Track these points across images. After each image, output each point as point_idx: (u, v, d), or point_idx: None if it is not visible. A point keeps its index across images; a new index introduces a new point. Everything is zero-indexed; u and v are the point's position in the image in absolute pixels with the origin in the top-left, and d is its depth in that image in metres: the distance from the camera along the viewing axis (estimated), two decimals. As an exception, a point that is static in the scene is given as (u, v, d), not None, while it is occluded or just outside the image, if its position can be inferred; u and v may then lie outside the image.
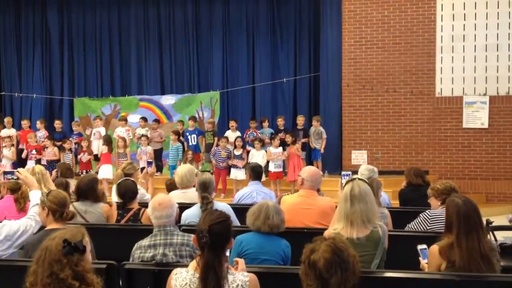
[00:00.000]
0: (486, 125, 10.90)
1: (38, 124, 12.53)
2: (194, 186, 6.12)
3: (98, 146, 11.94)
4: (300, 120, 11.63)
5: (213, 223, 2.72)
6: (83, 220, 4.98)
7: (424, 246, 3.69)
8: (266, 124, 11.82)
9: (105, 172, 11.32)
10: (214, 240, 2.67)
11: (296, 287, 2.44)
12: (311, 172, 4.98)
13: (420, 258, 3.64)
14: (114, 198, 6.21)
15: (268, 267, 3.62)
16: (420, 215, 4.77)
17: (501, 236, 4.86)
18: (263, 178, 10.08)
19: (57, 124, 12.55)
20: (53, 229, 3.60)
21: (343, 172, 3.99)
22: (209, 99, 13.04)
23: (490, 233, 4.36)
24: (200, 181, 5.08)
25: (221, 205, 5.05)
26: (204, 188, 4.96)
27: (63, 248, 2.38)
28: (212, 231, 2.69)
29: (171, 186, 6.64)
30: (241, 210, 5.17)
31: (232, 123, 11.86)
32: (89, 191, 5.15)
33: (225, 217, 2.84)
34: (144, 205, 5.39)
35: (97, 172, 11.17)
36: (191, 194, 5.94)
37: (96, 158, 11.83)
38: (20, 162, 11.82)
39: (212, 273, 2.62)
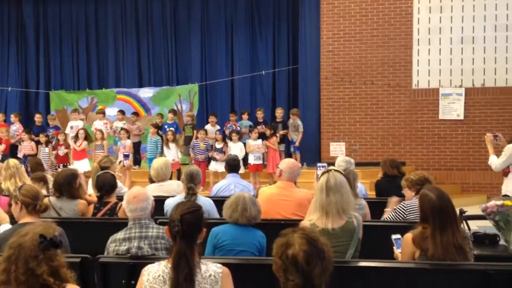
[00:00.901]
0: (461, 117, 11.04)
1: (13, 118, 12.33)
2: (170, 179, 6.12)
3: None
4: (279, 113, 11.65)
5: (185, 213, 2.74)
6: (57, 215, 4.92)
7: (398, 236, 3.73)
8: (246, 116, 11.81)
9: (82, 165, 11.20)
10: (185, 229, 2.68)
11: (272, 278, 2.44)
12: (289, 164, 5.02)
13: (394, 248, 3.68)
14: (90, 191, 6.17)
15: (245, 258, 3.64)
16: (396, 207, 4.82)
17: (475, 225, 4.94)
18: (243, 170, 10.21)
19: (38, 117, 12.36)
20: (26, 223, 3.56)
21: (318, 164, 4.03)
22: (188, 92, 12.97)
23: (464, 222, 4.44)
24: (188, 172, 5.14)
25: (204, 199, 5.06)
26: (191, 179, 5.02)
27: (40, 244, 2.34)
28: (184, 221, 2.70)
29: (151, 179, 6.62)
30: (218, 202, 5.17)
31: (212, 118, 11.83)
32: (65, 187, 5.03)
33: (197, 207, 2.86)
34: (121, 198, 5.34)
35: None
36: (168, 187, 5.94)
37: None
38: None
39: (184, 262, 2.62)
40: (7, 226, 4.09)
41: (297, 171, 5.02)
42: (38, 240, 2.34)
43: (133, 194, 3.70)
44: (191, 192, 4.80)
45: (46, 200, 4.94)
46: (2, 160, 9.79)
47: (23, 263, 2.31)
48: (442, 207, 3.29)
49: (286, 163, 5.03)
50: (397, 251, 3.64)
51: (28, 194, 3.84)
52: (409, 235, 3.38)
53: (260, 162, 10.95)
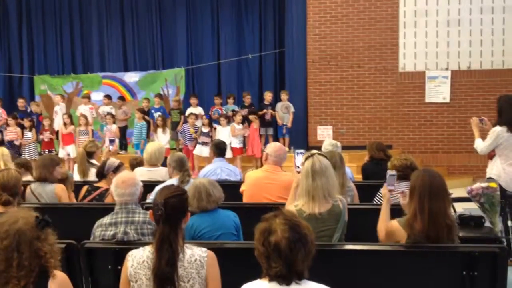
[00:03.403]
0: (448, 100, 11.09)
1: (-6, 103, 12.19)
2: (162, 165, 6.11)
3: (59, 125, 11.69)
4: (268, 96, 11.59)
5: (168, 197, 2.72)
6: (37, 201, 4.91)
7: (394, 172, 3.73)
8: (231, 100, 11.76)
9: (69, 151, 11.13)
10: (169, 213, 2.67)
11: (256, 262, 2.43)
12: (275, 147, 5.02)
13: (385, 184, 3.66)
14: (76, 176, 6.14)
15: (229, 242, 3.64)
16: (377, 193, 4.84)
17: (461, 207, 4.99)
18: (229, 155, 10.20)
19: (20, 102, 12.23)
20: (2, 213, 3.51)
21: (296, 151, 3.98)
22: (174, 76, 12.88)
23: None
24: (178, 158, 5.26)
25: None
26: (182, 165, 5.18)
27: (38, 223, 2.36)
28: (168, 204, 2.68)
29: (135, 164, 6.58)
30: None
31: (193, 100, 11.75)
32: (44, 172, 5.07)
33: (181, 191, 2.85)
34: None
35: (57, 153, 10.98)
36: (157, 173, 5.92)
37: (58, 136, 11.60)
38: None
39: (167, 245, 2.61)
40: None
41: (283, 155, 5.02)
42: (34, 221, 2.36)
43: (122, 179, 3.66)
44: (187, 177, 4.91)
45: (28, 188, 4.95)
46: None
47: (27, 246, 2.30)
48: (434, 179, 3.25)
49: (272, 147, 5.03)
50: (386, 187, 3.62)
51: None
52: (395, 222, 3.37)
53: (242, 145, 10.95)
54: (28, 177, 5.61)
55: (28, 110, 12.19)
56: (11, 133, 11.31)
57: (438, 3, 11.05)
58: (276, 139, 11.32)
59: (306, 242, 2.29)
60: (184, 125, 11.27)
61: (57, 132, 11.59)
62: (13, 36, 13.79)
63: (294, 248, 2.26)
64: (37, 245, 2.33)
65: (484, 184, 4.27)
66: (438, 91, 11.09)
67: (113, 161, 5.24)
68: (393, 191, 3.70)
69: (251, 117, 10.91)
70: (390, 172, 3.71)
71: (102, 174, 5.18)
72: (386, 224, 3.47)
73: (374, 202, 4.86)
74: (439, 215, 3.18)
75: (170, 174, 5.40)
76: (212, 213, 3.88)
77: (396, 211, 3.60)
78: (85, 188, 5.18)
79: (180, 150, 11.47)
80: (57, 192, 5.02)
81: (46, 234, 2.38)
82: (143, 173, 5.81)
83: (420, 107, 11.21)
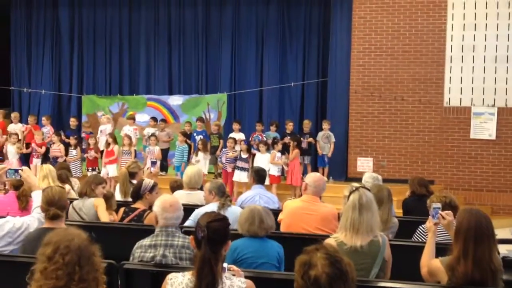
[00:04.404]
0: (493, 137, 10.82)
1: (44, 121, 12.60)
2: (200, 189, 6.17)
3: (103, 144, 11.96)
4: (306, 124, 11.60)
5: (211, 220, 2.74)
6: (78, 217, 5.07)
7: (439, 205, 3.63)
8: (273, 128, 11.79)
9: (111, 170, 11.35)
10: (211, 236, 2.68)
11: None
12: (315, 178, 5.00)
13: (430, 217, 3.56)
14: (117, 196, 6.26)
15: (268, 272, 3.61)
16: (418, 229, 4.75)
17: (504, 249, 4.83)
18: (267, 182, 10.19)
19: (72, 121, 12.66)
20: (49, 228, 3.61)
21: (433, 205, 3.70)
22: (216, 101, 13.04)
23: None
24: (218, 185, 5.35)
25: (236, 209, 5.12)
26: (223, 193, 5.28)
27: (91, 241, 2.51)
28: (211, 227, 2.70)
29: (175, 186, 6.68)
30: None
31: (236, 125, 11.86)
32: (84, 188, 5.46)
33: (223, 217, 2.87)
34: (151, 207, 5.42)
35: (99, 172, 11.23)
36: (195, 196, 5.98)
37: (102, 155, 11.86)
38: (25, 157, 11.89)
39: (207, 268, 2.61)
40: (39, 193, 4.12)
41: (322, 186, 4.99)
42: (87, 238, 2.50)
43: (169, 202, 3.69)
44: (227, 204, 4.99)
45: (70, 205, 5.15)
46: (42, 162, 10.08)
47: (87, 261, 2.43)
48: (481, 225, 3.13)
49: (312, 177, 5.01)
50: (432, 220, 3.52)
51: (44, 199, 3.90)
52: (437, 261, 3.27)
53: (280, 174, 10.94)
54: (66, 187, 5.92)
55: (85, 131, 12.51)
56: (55, 150, 11.65)
57: (486, 39, 10.89)
58: (315, 168, 11.27)
59: (347, 280, 2.25)
60: (223, 149, 11.37)
61: (102, 151, 11.86)
62: (64, 57, 14.28)
63: (333, 285, 2.21)
64: (95, 261, 2.47)
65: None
66: (484, 128, 10.85)
67: (148, 181, 5.32)
68: (438, 225, 3.60)
69: (292, 144, 10.89)
70: (435, 205, 3.62)
71: (138, 194, 5.24)
72: (429, 260, 3.38)
73: (413, 239, 4.76)
74: (483, 260, 3.07)
75: (206, 198, 5.43)
76: (259, 240, 3.88)
77: (439, 250, 3.50)
78: (122, 209, 5.25)
79: (219, 174, 11.55)
80: (95, 203, 5.20)
81: (98, 251, 2.51)
82: (182, 196, 5.87)
83: (465, 143, 10.98)
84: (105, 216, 5.21)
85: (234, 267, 2.89)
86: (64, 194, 4.07)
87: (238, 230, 3.99)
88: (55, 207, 3.88)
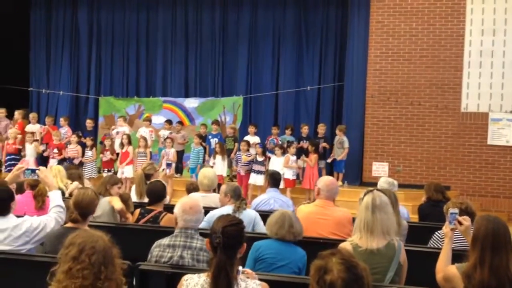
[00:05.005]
0: (511, 143, 10.71)
1: (62, 122, 12.74)
2: (214, 191, 6.19)
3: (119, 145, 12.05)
4: (321, 129, 11.59)
5: (227, 225, 2.75)
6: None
7: (456, 210, 3.59)
8: (289, 132, 11.79)
9: (126, 171, 11.43)
10: (227, 241, 2.70)
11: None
12: (327, 182, 4.95)
13: (447, 222, 3.52)
14: (133, 197, 6.31)
15: (284, 276, 3.60)
16: (434, 235, 4.71)
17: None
18: (281, 185, 10.17)
19: (89, 123, 12.78)
20: (72, 228, 3.66)
21: (451, 210, 3.68)
22: (232, 104, 13.07)
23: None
24: (233, 188, 5.30)
25: (251, 212, 5.12)
26: (239, 196, 5.23)
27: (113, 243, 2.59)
28: (226, 233, 2.71)
29: (191, 189, 6.71)
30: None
31: (251, 128, 11.87)
32: (99, 187, 5.55)
33: (239, 221, 2.88)
34: (167, 208, 5.45)
35: (116, 172, 11.31)
36: (210, 199, 6.00)
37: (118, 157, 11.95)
38: (42, 158, 12.02)
39: (223, 274, 2.63)
40: (57, 193, 4.17)
41: (335, 189, 4.95)
42: (110, 240, 2.59)
43: (189, 205, 3.71)
44: (243, 207, 4.98)
45: None
46: (59, 163, 10.19)
47: (112, 261, 2.52)
48: (498, 234, 3.09)
49: (324, 181, 4.97)
50: (448, 226, 3.50)
51: (72, 199, 3.96)
52: (453, 267, 3.25)
53: (295, 177, 10.91)
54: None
55: (114, 131, 12.58)
56: (72, 150, 11.76)
57: (505, 44, 10.78)
58: (330, 173, 11.25)
59: (363, 285, 2.24)
60: (238, 152, 11.39)
61: (117, 153, 11.94)
62: (82, 58, 14.41)
63: None
64: (118, 261, 2.56)
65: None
66: (502, 134, 10.74)
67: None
68: (455, 230, 3.57)
69: (310, 148, 10.87)
70: (452, 210, 3.59)
71: (157, 197, 5.31)
72: (446, 266, 3.35)
73: (429, 245, 4.73)
74: (500, 269, 3.03)
75: (222, 201, 5.44)
76: (284, 244, 3.90)
77: (456, 256, 3.47)
78: (137, 211, 5.29)
79: (234, 176, 11.57)
80: (109, 200, 5.25)
81: (119, 253, 2.60)
82: (197, 199, 5.89)
83: (482, 149, 10.87)
84: (119, 204, 5.27)
85: (248, 270, 2.89)
86: (94, 201, 4.11)
87: (267, 232, 4.00)
88: (80, 211, 3.93)
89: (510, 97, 10.76)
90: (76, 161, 11.56)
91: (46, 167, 9.16)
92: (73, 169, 7.55)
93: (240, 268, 2.77)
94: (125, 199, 5.44)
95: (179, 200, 3.89)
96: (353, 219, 4.07)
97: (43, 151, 12.12)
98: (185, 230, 3.65)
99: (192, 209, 3.67)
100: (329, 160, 11.34)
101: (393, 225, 3.56)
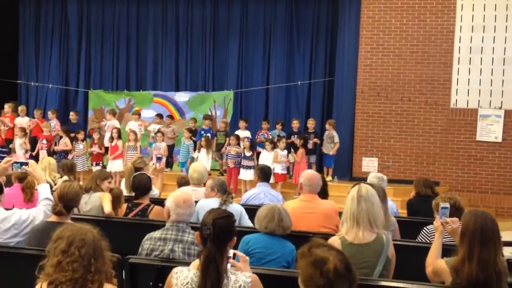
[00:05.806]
0: (499, 139, 10.79)
1: (50, 115, 12.64)
2: (203, 185, 6.19)
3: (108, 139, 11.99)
4: (311, 123, 11.61)
5: (217, 217, 2.75)
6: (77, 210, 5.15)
7: (447, 204, 3.61)
8: (279, 126, 11.79)
9: (116, 165, 11.38)
10: (217, 233, 2.70)
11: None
12: (308, 176, 4.95)
13: (437, 216, 3.54)
14: (123, 191, 6.29)
15: (274, 269, 3.61)
16: (422, 230, 4.75)
17: (508, 252, 4.81)
18: (271, 180, 10.18)
19: (72, 115, 12.65)
20: (59, 223, 3.64)
21: (441, 204, 3.68)
22: (223, 98, 13.06)
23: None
24: (220, 183, 5.35)
25: (237, 206, 5.12)
26: (225, 190, 5.27)
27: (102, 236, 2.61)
28: (216, 225, 2.71)
29: (183, 183, 6.71)
30: (248, 210, 5.20)
31: (242, 123, 11.87)
32: (89, 182, 5.54)
33: (229, 214, 2.87)
34: (154, 201, 5.45)
35: (105, 166, 11.26)
36: (199, 193, 5.99)
37: (107, 151, 11.89)
38: (33, 150, 11.94)
39: (213, 266, 2.63)
40: (46, 186, 4.15)
41: (318, 182, 4.92)
42: (99, 233, 2.59)
43: (183, 198, 3.70)
44: (229, 201, 4.99)
45: None
46: (48, 155, 10.17)
47: (102, 254, 2.53)
48: (486, 228, 3.12)
49: (305, 176, 4.96)
50: (438, 220, 3.52)
51: (58, 192, 3.95)
52: (442, 262, 3.27)
53: (285, 172, 10.93)
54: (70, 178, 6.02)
55: (105, 122, 12.49)
56: (62, 144, 11.69)
57: (495, 40, 10.85)
58: (320, 167, 11.29)
59: (354, 281, 2.30)
60: (228, 146, 11.38)
61: (106, 147, 11.88)
62: (72, 51, 14.30)
63: (351, 266, 2.28)
64: (107, 254, 2.57)
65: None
66: (491, 130, 10.82)
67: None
68: (446, 224, 3.59)
69: (299, 143, 10.89)
70: (443, 204, 3.60)
71: (143, 190, 5.33)
72: (435, 260, 3.38)
73: (418, 240, 4.76)
74: (488, 263, 3.07)
75: (207, 195, 5.44)
76: (274, 238, 3.90)
77: (445, 251, 3.49)
78: (125, 205, 5.28)
79: (224, 171, 11.57)
80: (101, 196, 5.25)
81: (108, 246, 2.61)
82: (187, 192, 5.90)
83: (471, 145, 10.95)
84: (108, 207, 5.24)
85: (238, 252, 2.86)
86: (79, 195, 4.13)
87: (256, 225, 4.00)
88: (64, 204, 3.91)
89: (499, 93, 10.84)
90: (70, 156, 11.44)
91: (38, 159, 9.16)
92: (68, 162, 7.53)
93: (232, 251, 2.75)
94: (117, 194, 5.41)
95: (171, 194, 3.88)
96: (341, 214, 4.08)
97: (31, 151, 11.94)
98: (177, 224, 3.65)
99: (185, 203, 3.67)
100: (313, 141, 11.27)
101: (380, 216, 3.55)
